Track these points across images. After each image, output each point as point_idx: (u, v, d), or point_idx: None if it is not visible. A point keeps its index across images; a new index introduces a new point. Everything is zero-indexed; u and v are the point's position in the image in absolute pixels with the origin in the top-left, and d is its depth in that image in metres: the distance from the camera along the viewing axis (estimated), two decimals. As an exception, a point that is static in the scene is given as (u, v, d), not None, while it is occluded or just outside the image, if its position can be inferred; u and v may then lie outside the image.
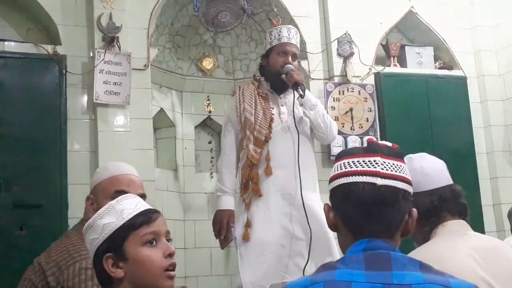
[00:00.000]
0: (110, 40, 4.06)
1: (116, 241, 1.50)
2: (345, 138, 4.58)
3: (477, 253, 1.64)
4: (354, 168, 1.29)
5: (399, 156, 1.32)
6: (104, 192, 2.09)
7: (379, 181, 1.26)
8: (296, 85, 3.08)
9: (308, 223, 2.96)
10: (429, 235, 1.78)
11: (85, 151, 4.03)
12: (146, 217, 1.54)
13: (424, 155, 1.91)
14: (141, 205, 1.58)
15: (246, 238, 3.01)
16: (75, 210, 3.75)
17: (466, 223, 1.80)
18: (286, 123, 3.16)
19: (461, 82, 5.12)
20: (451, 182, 1.87)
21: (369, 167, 1.27)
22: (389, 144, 1.35)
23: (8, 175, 3.80)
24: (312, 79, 4.67)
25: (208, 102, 4.91)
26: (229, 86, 4.94)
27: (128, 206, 1.56)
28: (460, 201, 1.83)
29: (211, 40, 4.99)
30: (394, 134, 4.64)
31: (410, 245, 1.75)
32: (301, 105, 3.16)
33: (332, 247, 3.01)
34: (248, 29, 4.95)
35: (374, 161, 1.28)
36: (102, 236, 1.51)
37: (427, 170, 1.85)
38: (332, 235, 3.00)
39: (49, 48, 4.07)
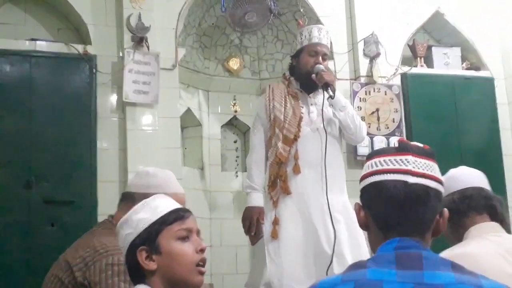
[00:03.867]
0: (139, 40, 4.12)
1: (151, 235, 1.55)
2: (371, 138, 4.58)
3: (508, 254, 1.64)
4: (385, 167, 1.29)
5: (430, 156, 1.32)
6: None
7: (411, 179, 1.26)
8: (326, 86, 3.08)
9: (332, 223, 2.95)
10: (462, 236, 1.79)
11: (114, 149, 4.09)
12: (178, 214, 1.60)
13: (463, 167, 1.96)
14: (174, 205, 1.64)
15: (274, 235, 3.01)
16: (105, 207, 3.82)
17: (500, 226, 1.80)
18: (315, 123, 3.16)
19: (488, 83, 5.07)
20: (482, 187, 1.87)
21: (400, 166, 1.28)
22: (420, 144, 1.35)
23: (40, 172, 3.88)
24: (339, 79, 4.66)
25: (234, 102, 4.93)
26: (255, 86, 4.97)
27: (162, 204, 1.62)
28: (488, 202, 1.83)
29: (238, 40, 5.02)
30: (420, 135, 4.62)
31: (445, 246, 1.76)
32: (331, 105, 3.16)
33: (361, 246, 3.00)
34: (274, 29, 4.96)
35: (406, 159, 1.28)
36: (136, 230, 1.55)
37: (456, 175, 1.88)
38: (362, 234, 2.99)
39: (79, 48, 4.13)
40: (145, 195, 2.07)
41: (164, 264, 1.53)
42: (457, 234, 1.81)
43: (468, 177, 1.89)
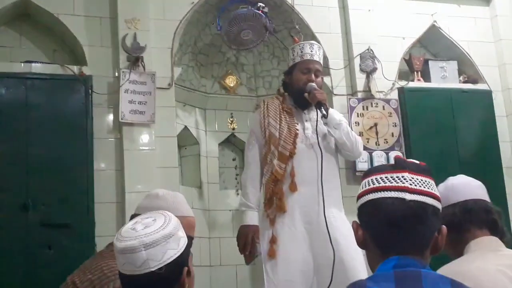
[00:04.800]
0: (135, 60, 4.12)
1: (187, 256, 1.54)
2: (370, 154, 4.56)
3: (509, 269, 1.61)
4: (382, 184, 1.28)
5: (427, 172, 1.31)
6: None
7: (408, 196, 1.25)
8: (319, 105, 3.07)
9: (330, 242, 2.92)
10: (462, 251, 1.77)
11: (111, 170, 4.07)
12: (190, 237, 1.61)
13: (461, 176, 1.94)
14: None
15: (272, 254, 2.98)
16: (102, 228, 3.80)
17: (500, 241, 1.78)
18: (310, 140, 3.14)
19: (486, 95, 5.07)
20: (483, 198, 1.85)
21: (397, 183, 1.27)
22: (416, 161, 1.34)
23: (36, 195, 3.85)
24: (335, 94, 4.67)
25: (231, 119, 4.93)
26: (252, 103, 4.96)
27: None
28: (489, 216, 1.81)
29: (234, 58, 5.02)
30: (419, 148, 4.61)
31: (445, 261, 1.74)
32: (325, 124, 3.14)
33: (359, 265, 2.96)
34: (271, 46, 4.97)
35: (403, 176, 1.28)
36: (180, 248, 1.52)
37: (456, 186, 1.86)
38: (360, 253, 2.95)
39: (75, 69, 4.13)
40: None
41: (189, 286, 1.54)
42: (457, 248, 1.80)
43: (469, 188, 1.87)
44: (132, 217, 2.16)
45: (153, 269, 1.48)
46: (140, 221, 1.56)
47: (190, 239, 1.59)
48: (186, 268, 1.51)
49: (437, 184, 1.32)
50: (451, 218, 1.78)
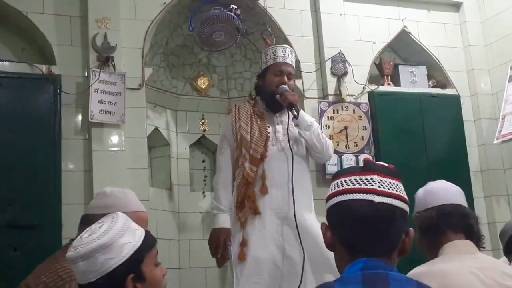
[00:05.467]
0: (105, 59, 4.07)
1: (136, 261, 1.48)
2: (340, 157, 4.58)
3: (480, 271, 1.64)
4: (351, 186, 1.29)
5: (395, 175, 1.32)
6: None
7: (377, 199, 1.26)
8: (290, 106, 3.08)
9: (301, 243, 2.94)
10: (437, 253, 1.79)
11: (79, 170, 4.02)
12: (153, 238, 1.56)
13: (441, 181, 1.97)
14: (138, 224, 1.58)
15: (242, 257, 2.98)
16: (69, 230, 3.72)
17: (474, 245, 1.81)
18: (282, 143, 3.16)
19: (455, 100, 5.14)
20: (460, 203, 1.88)
21: (366, 185, 1.28)
22: (385, 164, 1.35)
23: (2, 195, 3.78)
24: (306, 97, 4.69)
25: (202, 121, 4.91)
26: (224, 105, 4.95)
27: (136, 226, 1.55)
28: (465, 221, 1.83)
29: (206, 60, 5.01)
30: (388, 152, 4.66)
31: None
32: (296, 125, 3.16)
33: (332, 265, 2.96)
34: (243, 48, 4.97)
35: (371, 179, 1.28)
36: (122, 256, 1.46)
37: (436, 190, 1.89)
38: (330, 254, 2.94)
39: (43, 68, 4.07)
40: (103, 217, 2.03)
41: None
42: (432, 250, 1.83)
43: (447, 192, 1.90)
44: (83, 218, 2.14)
45: (92, 280, 1.45)
46: (91, 227, 1.53)
47: (148, 237, 1.53)
48: (131, 276, 1.46)
49: (405, 188, 1.32)
50: (429, 221, 1.81)
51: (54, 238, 3.73)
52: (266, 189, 3.07)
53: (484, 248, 1.87)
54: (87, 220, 2.11)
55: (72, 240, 2.16)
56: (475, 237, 1.84)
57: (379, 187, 1.27)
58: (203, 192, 4.80)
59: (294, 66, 3.33)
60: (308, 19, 4.88)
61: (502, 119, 4.78)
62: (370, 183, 1.28)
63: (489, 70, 5.23)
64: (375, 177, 1.29)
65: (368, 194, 1.26)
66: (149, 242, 1.52)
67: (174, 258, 4.47)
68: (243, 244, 3.01)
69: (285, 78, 3.21)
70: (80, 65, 4.16)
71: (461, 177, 4.87)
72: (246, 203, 3.07)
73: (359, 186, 1.28)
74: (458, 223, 1.82)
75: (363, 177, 1.29)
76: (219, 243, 3.08)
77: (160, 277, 1.54)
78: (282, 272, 2.98)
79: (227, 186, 3.17)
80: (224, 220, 3.13)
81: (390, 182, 1.29)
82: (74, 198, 3.90)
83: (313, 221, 3.10)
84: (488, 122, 5.13)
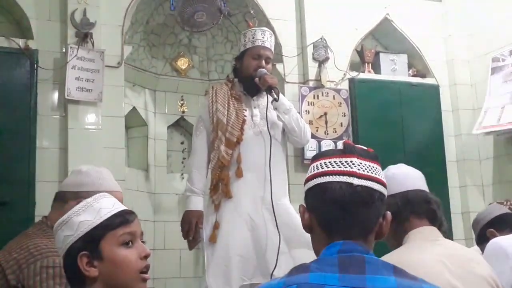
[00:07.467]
0: (84, 36, 4.00)
1: (93, 240, 1.48)
2: (319, 142, 4.59)
3: (447, 259, 1.65)
4: (331, 168, 1.28)
5: (374, 158, 1.32)
6: None
7: (356, 181, 1.26)
8: (269, 89, 3.06)
9: (277, 227, 2.94)
10: (401, 240, 1.79)
11: (54, 148, 3.95)
12: (124, 218, 1.53)
13: (401, 165, 1.96)
14: (118, 205, 1.57)
15: (213, 240, 2.97)
16: (43, 208, 3.64)
17: (438, 231, 1.81)
18: (259, 126, 3.14)
19: (434, 90, 5.17)
20: (422, 189, 1.88)
21: (345, 168, 1.28)
22: (365, 147, 1.35)
23: (-26, 171, 3.71)
24: (287, 82, 4.67)
25: (182, 102, 4.87)
26: (204, 86, 4.90)
27: (106, 205, 1.54)
28: (428, 206, 1.83)
29: (187, 40, 4.95)
30: (366, 139, 4.66)
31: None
32: (275, 109, 3.13)
33: (309, 244, 2.96)
34: (224, 30, 4.92)
35: (351, 161, 1.28)
36: (77, 234, 1.48)
37: (397, 176, 1.88)
38: (307, 237, 2.94)
39: (20, 42, 3.98)
40: (77, 194, 2.01)
41: (106, 271, 1.47)
42: (397, 238, 1.82)
43: (409, 178, 1.89)
44: (56, 195, 2.12)
45: (62, 255, 1.53)
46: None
47: (117, 217, 1.52)
48: (81, 253, 1.46)
49: (381, 173, 1.32)
50: (392, 208, 1.80)
51: (26, 215, 3.68)
52: (241, 172, 3.06)
53: (446, 233, 1.86)
54: (61, 197, 2.09)
55: (45, 217, 2.14)
56: (438, 222, 1.84)
57: (358, 169, 1.27)
58: (182, 174, 4.77)
59: (273, 50, 3.29)
60: (291, 3, 4.85)
61: (485, 111, 4.80)
62: (349, 166, 1.28)
63: (469, 61, 5.26)
64: (354, 159, 1.29)
65: (347, 177, 1.26)
66: (115, 221, 1.51)
67: (149, 240, 4.43)
68: (216, 226, 2.99)
69: (263, 62, 3.17)
70: (58, 40, 4.08)
71: (438, 166, 4.93)
72: (220, 186, 3.05)
73: (339, 169, 1.28)
74: (421, 209, 1.82)
75: (343, 160, 1.29)
76: (190, 226, 3.06)
77: (128, 257, 1.50)
78: (256, 255, 2.97)
79: (202, 169, 3.15)
80: (197, 203, 3.11)
81: (369, 165, 1.29)
82: (48, 175, 3.84)
83: (288, 205, 3.10)
84: (466, 112, 5.16)
